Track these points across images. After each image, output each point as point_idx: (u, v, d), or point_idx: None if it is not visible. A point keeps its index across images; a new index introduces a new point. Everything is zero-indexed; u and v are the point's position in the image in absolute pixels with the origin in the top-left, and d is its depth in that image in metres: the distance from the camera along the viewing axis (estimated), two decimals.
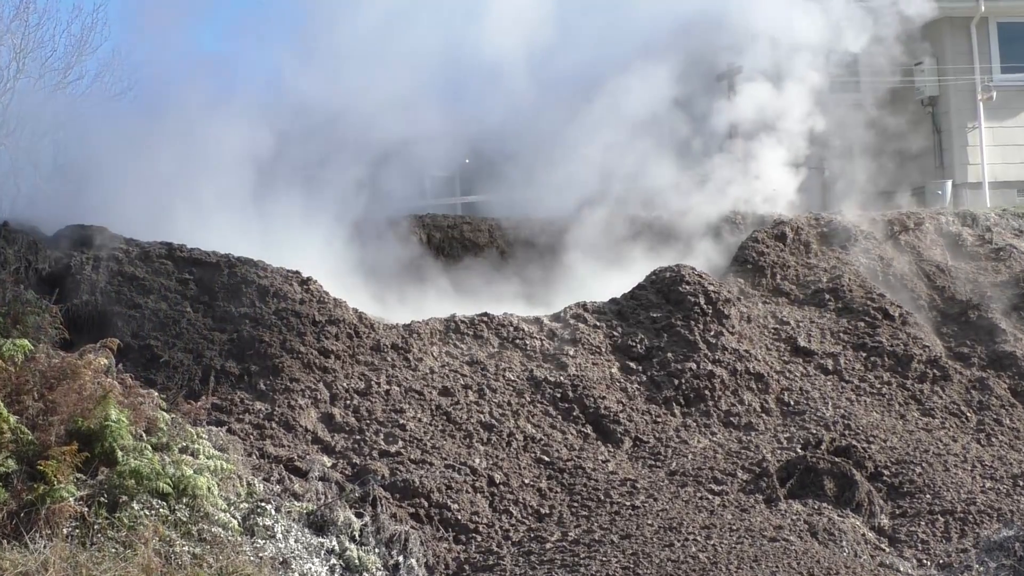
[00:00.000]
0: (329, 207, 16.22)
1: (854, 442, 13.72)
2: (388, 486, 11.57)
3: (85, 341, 11.54)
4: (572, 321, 15.10)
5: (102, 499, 9.21)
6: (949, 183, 22.41)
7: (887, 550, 12.14)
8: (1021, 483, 13.47)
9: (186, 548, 9.17)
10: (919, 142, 22.53)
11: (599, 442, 13.33)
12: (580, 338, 14.79)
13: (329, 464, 11.82)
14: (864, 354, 15.87)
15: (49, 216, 14.59)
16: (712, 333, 15.19)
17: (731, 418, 14.23)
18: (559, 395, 13.77)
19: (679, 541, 11.34)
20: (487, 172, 19.58)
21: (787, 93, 19.44)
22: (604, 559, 10.99)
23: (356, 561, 10.29)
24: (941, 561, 11.95)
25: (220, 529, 9.59)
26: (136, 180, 15.35)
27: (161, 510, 9.38)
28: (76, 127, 16.05)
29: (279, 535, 10.03)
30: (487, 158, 19.13)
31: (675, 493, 12.46)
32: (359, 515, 10.82)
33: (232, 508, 10.06)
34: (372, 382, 13.19)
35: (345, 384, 13.05)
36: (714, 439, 13.77)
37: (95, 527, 8.97)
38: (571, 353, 14.50)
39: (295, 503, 10.64)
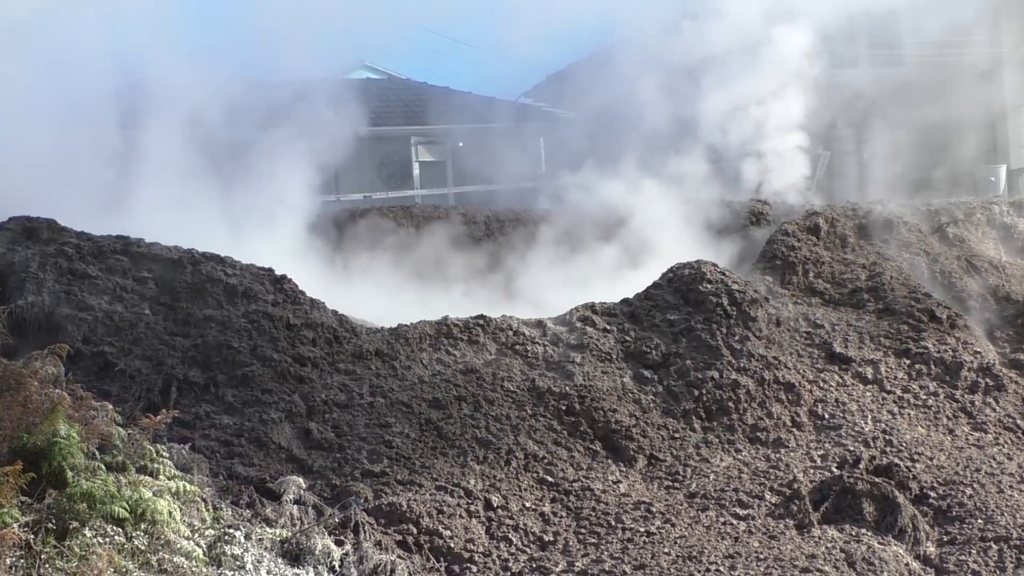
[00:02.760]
0: None
1: (896, 460, 13.72)
2: (372, 510, 11.57)
3: (31, 347, 11.54)
4: (579, 324, 15.10)
5: (50, 525, 9.19)
6: (1003, 168, 22.45)
7: None
8: None
9: None
10: (969, 122, 22.55)
11: (609, 460, 13.33)
12: (588, 343, 14.79)
13: (305, 486, 11.81)
14: (908, 361, 15.87)
15: None
16: (737, 338, 15.19)
17: (758, 433, 14.23)
18: (564, 408, 13.77)
19: (699, 572, 11.34)
20: None
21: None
22: None
23: None
24: None
25: (182, 559, 9.58)
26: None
27: (116, 537, 9.38)
28: None
29: (249, 566, 10.03)
30: None
31: (695, 518, 12.46)
32: (339, 543, 10.81)
33: (196, 535, 10.06)
34: (354, 393, 13.19)
35: (323, 395, 13.05)
36: (739, 457, 13.78)
37: (42, 556, 8.95)
38: (578, 360, 14.50)
39: (267, 529, 10.64)
